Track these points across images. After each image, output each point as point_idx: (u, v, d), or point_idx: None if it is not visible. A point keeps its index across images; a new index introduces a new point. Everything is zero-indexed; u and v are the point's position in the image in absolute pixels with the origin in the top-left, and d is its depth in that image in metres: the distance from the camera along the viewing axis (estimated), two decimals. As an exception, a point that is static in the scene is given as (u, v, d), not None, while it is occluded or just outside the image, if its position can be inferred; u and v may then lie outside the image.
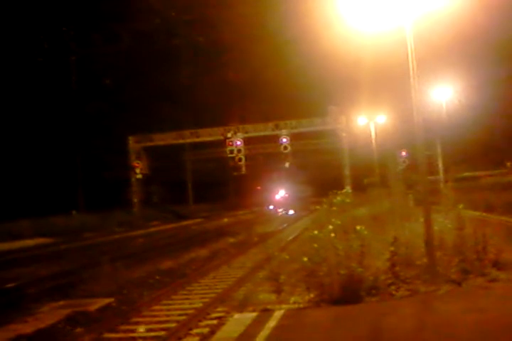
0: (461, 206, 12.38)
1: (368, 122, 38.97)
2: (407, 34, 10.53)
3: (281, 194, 64.83)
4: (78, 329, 9.94)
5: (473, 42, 38.77)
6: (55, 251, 23.97)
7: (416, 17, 10.75)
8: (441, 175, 36.55)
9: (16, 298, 12.82)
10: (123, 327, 9.91)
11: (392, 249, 9.92)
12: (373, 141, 38.04)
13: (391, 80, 27.93)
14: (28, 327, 9.94)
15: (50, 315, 10.88)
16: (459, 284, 9.62)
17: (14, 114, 40.56)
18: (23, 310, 11.37)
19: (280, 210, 50.34)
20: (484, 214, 19.61)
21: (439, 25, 14.75)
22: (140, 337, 9.21)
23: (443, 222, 11.89)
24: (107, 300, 11.87)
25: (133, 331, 9.63)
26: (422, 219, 10.70)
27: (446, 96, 37.79)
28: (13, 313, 11.07)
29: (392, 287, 9.52)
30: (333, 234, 10.66)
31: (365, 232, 10.71)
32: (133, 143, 46.21)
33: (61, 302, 11.98)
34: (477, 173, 48.84)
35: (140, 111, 47.75)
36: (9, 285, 14.60)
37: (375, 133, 38.05)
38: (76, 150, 45.82)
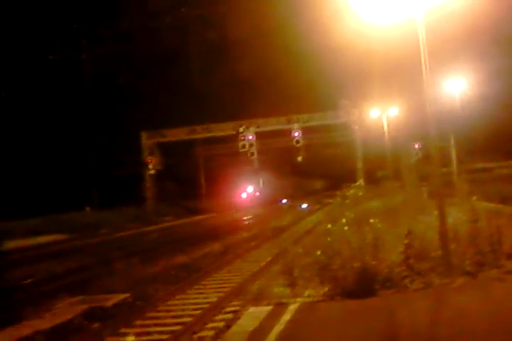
0: (474, 198, 12.35)
1: (381, 115, 38.78)
2: (418, 26, 10.47)
3: (249, 191, 53.05)
4: (95, 325, 10.03)
5: (486, 33, 38.36)
6: (71, 247, 24.16)
7: (428, 8, 10.68)
8: (454, 167, 36.35)
9: (32, 294, 12.97)
10: (139, 322, 9.99)
11: (406, 241, 9.90)
12: (386, 134, 37.86)
13: (403, 72, 27.75)
14: (45, 323, 10.04)
15: (66, 310, 10.98)
16: (474, 276, 9.60)
17: (28, 112, 40.82)
18: (40, 306, 11.48)
19: (246, 218, 35.77)
20: (498, 205, 19.53)
21: (451, 16, 14.63)
22: (156, 332, 9.28)
23: (457, 214, 11.86)
24: (122, 296, 11.94)
25: (149, 326, 9.71)
26: (435, 212, 10.66)
27: (459, 87, 37.51)
28: (30, 309, 11.17)
29: (407, 280, 9.50)
30: (346, 228, 10.69)
31: (379, 225, 10.72)
32: (146, 139, 46.38)
33: (77, 298, 12.07)
34: (490, 165, 48.60)
35: (152, 107, 47.87)
36: (26, 282, 14.77)
37: (388, 126, 37.86)
38: (89, 146, 46.05)
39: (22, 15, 40.64)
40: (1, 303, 11.97)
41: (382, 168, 41.99)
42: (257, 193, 53.35)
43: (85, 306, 11.09)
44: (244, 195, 52.93)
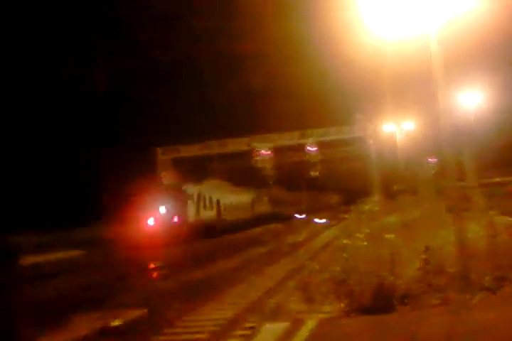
0: (492, 212, 12.23)
1: (396, 129, 38.66)
2: (431, 40, 10.47)
3: (161, 214, 33.29)
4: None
5: (501, 47, 38.27)
6: (86, 262, 24.19)
7: (442, 22, 10.69)
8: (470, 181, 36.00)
9: (48, 309, 12.98)
10: (155, 339, 9.95)
11: (423, 256, 9.80)
12: (401, 148, 37.71)
13: (418, 86, 27.70)
14: (61, 339, 10.03)
15: (82, 326, 10.97)
16: (493, 292, 9.46)
17: (41, 126, 41.16)
18: (56, 321, 11.48)
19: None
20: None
21: (465, 29, 14.63)
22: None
23: (475, 229, 11.73)
24: (139, 312, 11.92)
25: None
26: (453, 227, 10.56)
27: (474, 101, 37.33)
28: (46, 325, 11.18)
29: (425, 295, 9.39)
30: (363, 243, 10.62)
31: (396, 240, 10.64)
32: (161, 154, 46.56)
33: (94, 314, 12.07)
34: (508, 179, 48.08)
35: (167, 122, 48.07)
36: (42, 298, 14.81)
37: (403, 140, 37.73)
38: (103, 161, 46.21)
39: (36, 30, 41.18)
40: (17, 319, 12.01)
41: (398, 182, 41.76)
42: (175, 219, 33.53)
43: (102, 322, 11.07)
44: (151, 222, 32.81)
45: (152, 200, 33.11)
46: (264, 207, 49.43)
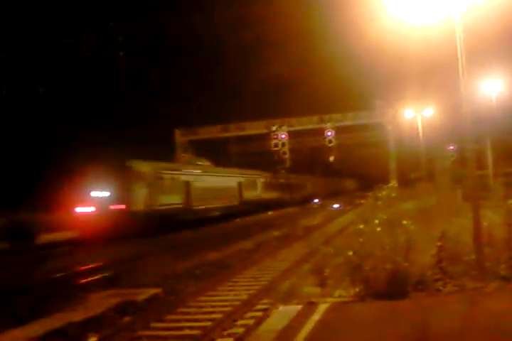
0: (511, 201, 12.12)
1: (415, 115, 38.32)
2: (456, 25, 10.32)
3: (99, 200, 25.04)
4: (126, 319, 10.16)
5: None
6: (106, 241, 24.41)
7: (465, 7, 10.54)
8: (490, 170, 35.73)
9: (65, 287, 13.18)
10: (170, 317, 10.09)
11: (439, 244, 9.78)
12: (420, 135, 37.42)
13: (439, 73, 27.43)
14: (77, 316, 10.19)
15: (98, 304, 11.13)
16: (508, 281, 9.43)
17: (64, 107, 41.37)
18: (73, 299, 11.67)
19: None
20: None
21: (490, 15, 14.40)
22: (186, 327, 9.35)
23: (492, 218, 11.67)
24: (154, 291, 12.08)
25: (179, 321, 9.79)
26: (470, 215, 10.50)
27: (496, 88, 36.85)
28: (63, 302, 11.37)
29: (439, 282, 9.37)
30: (379, 229, 10.60)
31: (412, 227, 10.61)
32: (179, 136, 46.68)
33: (110, 292, 12.25)
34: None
35: (186, 104, 48.11)
36: (59, 275, 15.03)
37: (422, 127, 37.41)
38: (123, 142, 46.38)
39: (59, 12, 41.22)
40: (35, 296, 12.21)
41: (415, 170, 41.54)
42: (123, 206, 25.01)
43: (117, 300, 11.23)
44: (83, 209, 25.03)
45: (83, 182, 25.39)
46: (256, 193, 44.76)
